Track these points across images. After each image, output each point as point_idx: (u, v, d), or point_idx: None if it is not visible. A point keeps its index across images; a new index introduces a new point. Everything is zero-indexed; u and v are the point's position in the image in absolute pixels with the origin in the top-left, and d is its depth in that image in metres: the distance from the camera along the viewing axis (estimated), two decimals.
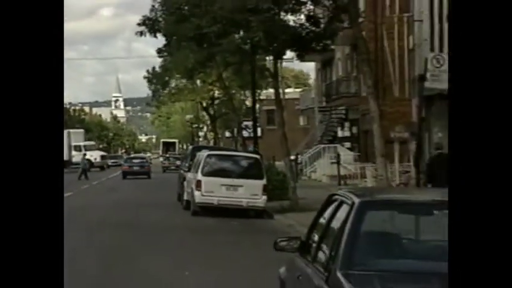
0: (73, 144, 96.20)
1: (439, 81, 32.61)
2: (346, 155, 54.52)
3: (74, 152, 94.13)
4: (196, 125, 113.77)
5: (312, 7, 36.49)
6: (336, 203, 9.09)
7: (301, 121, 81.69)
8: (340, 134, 61.09)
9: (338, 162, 50.43)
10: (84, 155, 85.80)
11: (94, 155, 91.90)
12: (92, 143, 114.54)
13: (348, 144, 58.39)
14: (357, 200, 8.34)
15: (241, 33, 36.37)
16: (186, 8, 37.34)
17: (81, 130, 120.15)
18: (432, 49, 34.70)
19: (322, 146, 61.35)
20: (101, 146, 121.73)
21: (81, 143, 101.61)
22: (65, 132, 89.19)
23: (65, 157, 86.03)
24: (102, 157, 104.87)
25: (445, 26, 32.14)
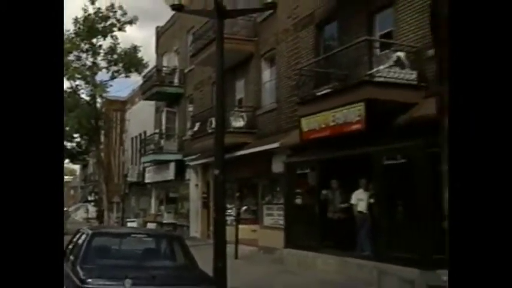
0: None
1: (133, 178, 32.51)
2: (92, 208, 52.56)
3: None
4: None
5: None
6: (80, 233, 8.66)
7: (72, 192, 78.29)
8: (90, 198, 58.81)
9: (87, 211, 48.97)
10: None
11: None
12: None
13: (93, 204, 56.25)
14: (90, 232, 8.15)
15: None
16: None
17: None
18: (131, 163, 34.59)
19: (81, 204, 59.17)
20: None
21: None
22: None
23: None
24: None
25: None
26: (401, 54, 11.41)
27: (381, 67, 11.44)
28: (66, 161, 40.14)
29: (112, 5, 28.05)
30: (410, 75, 11.28)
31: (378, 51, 12.45)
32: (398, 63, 11.34)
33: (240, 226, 17.06)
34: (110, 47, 28.60)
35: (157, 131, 28.33)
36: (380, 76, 11.34)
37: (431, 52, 9.24)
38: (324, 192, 13.31)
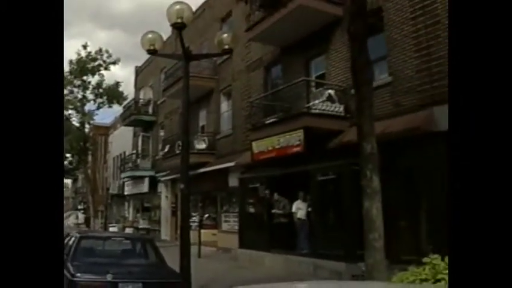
0: None
1: (114, 190, 31.60)
2: (81, 215, 50.21)
3: None
4: None
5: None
6: (70, 236, 8.45)
7: (64, 202, 75.07)
8: (79, 207, 56.52)
9: (77, 218, 46.38)
10: None
11: None
12: None
13: (81, 212, 53.76)
14: (78, 235, 7.99)
15: None
16: None
17: None
18: (113, 178, 33.61)
19: (72, 212, 56.76)
20: None
21: None
22: None
23: None
24: None
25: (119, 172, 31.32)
26: (331, 91, 11.66)
27: (316, 101, 11.65)
28: None
29: (100, 49, 28.96)
30: (338, 108, 11.52)
31: (313, 89, 12.70)
32: (329, 98, 11.58)
33: (203, 230, 16.92)
34: (97, 83, 29.05)
35: (134, 151, 28.06)
36: (315, 109, 11.53)
37: (353, 91, 9.53)
38: (265, 192, 13.34)
